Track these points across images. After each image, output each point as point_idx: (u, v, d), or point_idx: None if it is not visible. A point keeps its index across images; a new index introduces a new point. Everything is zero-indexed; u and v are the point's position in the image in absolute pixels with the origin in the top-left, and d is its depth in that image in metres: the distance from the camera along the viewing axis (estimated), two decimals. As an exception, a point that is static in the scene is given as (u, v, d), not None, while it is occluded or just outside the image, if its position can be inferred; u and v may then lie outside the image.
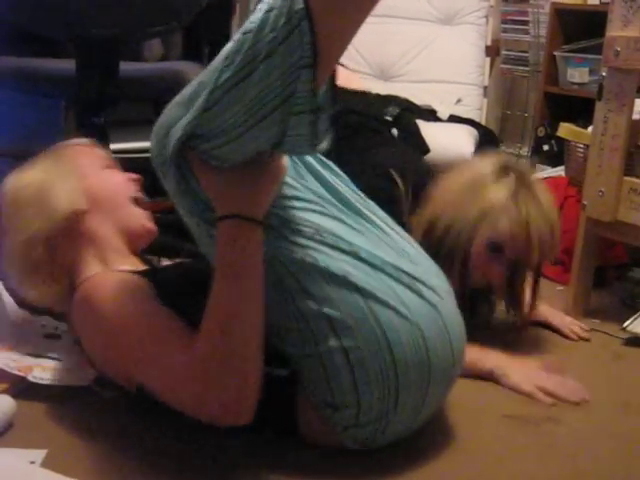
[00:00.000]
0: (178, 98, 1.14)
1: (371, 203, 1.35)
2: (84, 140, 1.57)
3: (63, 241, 1.41)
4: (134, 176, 1.52)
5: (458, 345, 1.29)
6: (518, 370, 1.58)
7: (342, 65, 1.80)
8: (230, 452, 1.29)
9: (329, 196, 1.28)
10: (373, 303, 1.19)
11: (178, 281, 1.35)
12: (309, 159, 1.30)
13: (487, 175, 1.67)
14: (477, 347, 1.59)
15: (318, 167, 1.30)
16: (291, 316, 1.20)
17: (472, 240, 1.64)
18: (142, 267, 1.42)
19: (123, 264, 1.41)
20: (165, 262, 1.59)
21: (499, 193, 1.65)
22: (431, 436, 1.37)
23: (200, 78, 1.08)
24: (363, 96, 2.38)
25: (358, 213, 1.29)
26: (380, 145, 1.92)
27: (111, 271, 1.37)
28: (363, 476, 1.25)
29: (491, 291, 1.79)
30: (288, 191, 1.23)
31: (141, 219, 1.49)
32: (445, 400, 1.37)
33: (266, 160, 1.15)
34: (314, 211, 1.23)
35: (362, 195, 1.35)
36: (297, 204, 1.23)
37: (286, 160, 1.23)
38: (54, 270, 1.42)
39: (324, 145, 1.12)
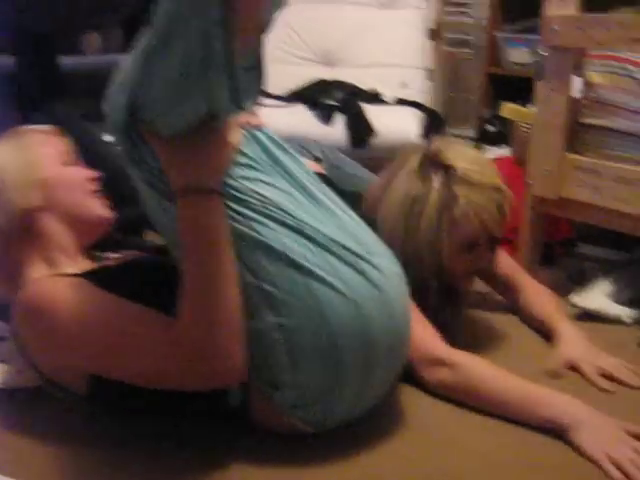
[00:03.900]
0: (123, 66, 1.15)
1: (323, 185, 1.35)
2: (47, 127, 1.52)
3: (17, 238, 1.38)
4: (94, 174, 1.48)
5: (402, 326, 1.30)
6: (589, 425, 1.31)
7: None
8: (189, 440, 1.30)
9: (281, 170, 1.28)
10: (311, 280, 1.20)
11: (128, 275, 1.33)
12: (259, 136, 1.29)
13: (414, 193, 1.59)
14: (541, 387, 1.41)
15: (269, 144, 1.30)
16: None
17: (440, 260, 1.58)
18: (89, 266, 1.40)
19: (70, 266, 1.37)
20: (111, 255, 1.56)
21: (433, 207, 1.57)
22: (383, 416, 1.39)
23: (138, 46, 1.11)
24: None
25: (307, 191, 1.29)
26: None
27: (57, 275, 1.33)
28: (316, 459, 1.26)
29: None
30: (242, 159, 1.23)
31: (97, 209, 1.45)
32: (395, 381, 1.38)
33: (214, 126, 1.16)
34: (265, 183, 1.23)
35: (314, 176, 1.35)
36: (250, 174, 1.23)
37: (239, 130, 1.24)
38: (8, 268, 1.38)
39: (249, 104, 1.14)
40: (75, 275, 1.30)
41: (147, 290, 1.24)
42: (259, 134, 1.29)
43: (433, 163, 1.61)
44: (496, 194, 1.60)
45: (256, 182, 1.23)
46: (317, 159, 1.83)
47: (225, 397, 1.24)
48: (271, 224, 1.21)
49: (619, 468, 1.24)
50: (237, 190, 1.21)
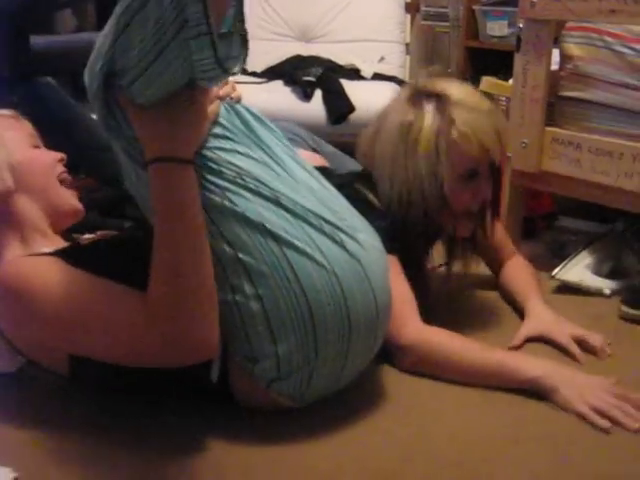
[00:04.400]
0: (103, 31, 1.13)
1: (302, 159, 1.34)
2: (9, 112, 1.51)
3: None
4: (60, 155, 1.47)
5: (382, 299, 1.30)
6: (569, 383, 1.36)
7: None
8: (173, 421, 1.30)
9: (258, 141, 1.27)
10: (288, 250, 1.20)
11: (103, 253, 1.32)
12: (239, 108, 1.29)
13: (408, 119, 1.55)
14: (516, 352, 1.52)
15: (249, 117, 1.29)
16: None
17: (442, 189, 1.54)
18: (64, 245, 1.39)
19: (45, 245, 1.36)
20: (87, 236, 1.55)
21: (430, 130, 1.53)
22: (365, 392, 1.39)
23: (115, 10, 1.08)
24: None
25: (285, 163, 1.28)
26: None
27: (32, 254, 1.32)
28: (300, 435, 1.26)
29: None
30: (219, 130, 1.22)
31: (69, 199, 1.46)
32: (373, 355, 1.37)
33: (189, 96, 1.14)
34: (241, 153, 1.23)
35: (293, 149, 1.34)
36: (226, 145, 1.22)
37: (218, 102, 1.23)
38: None
39: (236, 68, 1.11)
40: (49, 254, 1.29)
41: (121, 267, 1.23)
42: (239, 106, 1.29)
43: (423, 93, 1.58)
44: (492, 117, 1.57)
45: (232, 153, 1.22)
46: (314, 150, 1.79)
47: (206, 374, 1.23)
48: (247, 194, 1.20)
49: (605, 416, 1.29)
50: (212, 161, 1.20)
